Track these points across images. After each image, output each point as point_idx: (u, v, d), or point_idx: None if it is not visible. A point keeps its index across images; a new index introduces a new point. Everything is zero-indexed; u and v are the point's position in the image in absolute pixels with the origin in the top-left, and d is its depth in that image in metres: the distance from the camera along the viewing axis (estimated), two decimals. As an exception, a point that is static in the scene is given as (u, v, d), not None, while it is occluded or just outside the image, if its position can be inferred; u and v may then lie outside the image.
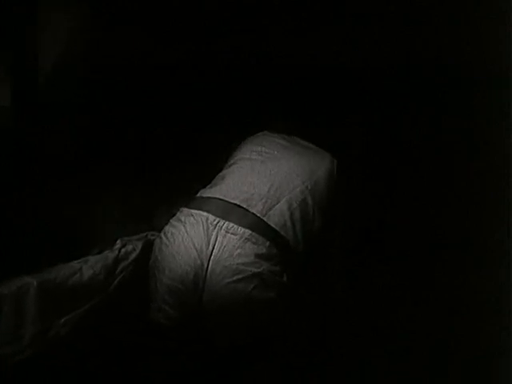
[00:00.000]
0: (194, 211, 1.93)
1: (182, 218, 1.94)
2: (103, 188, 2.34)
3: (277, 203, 1.94)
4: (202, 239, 1.87)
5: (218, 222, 1.88)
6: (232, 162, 2.09)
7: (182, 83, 2.57)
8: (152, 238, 2.04)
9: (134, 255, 1.99)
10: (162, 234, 1.96)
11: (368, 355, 2.11)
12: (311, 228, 1.98)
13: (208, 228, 1.88)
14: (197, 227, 1.90)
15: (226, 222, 1.88)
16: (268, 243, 1.88)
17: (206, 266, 1.85)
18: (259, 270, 1.85)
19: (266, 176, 1.99)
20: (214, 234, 1.87)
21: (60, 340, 1.79)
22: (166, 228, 1.97)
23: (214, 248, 1.86)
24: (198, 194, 2.02)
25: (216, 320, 1.87)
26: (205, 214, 1.91)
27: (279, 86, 2.56)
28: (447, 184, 2.36)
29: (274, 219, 1.92)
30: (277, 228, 1.91)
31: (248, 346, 1.93)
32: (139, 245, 2.01)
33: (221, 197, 1.95)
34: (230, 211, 1.91)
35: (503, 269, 1.93)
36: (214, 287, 1.84)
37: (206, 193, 2.00)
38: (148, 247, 2.00)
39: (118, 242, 2.01)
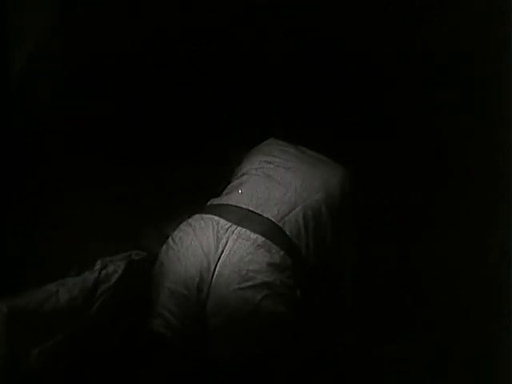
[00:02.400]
0: (205, 215, 1.84)
1: (192, 223, 1.85)
2: (83, 201, 2.18)
3: (292, 210, 1.85)
4: (211, 242, 1.77)
5: (229, 227, 1.79)
6: (242, 172, 2.01)
7: (175, 87, 2.51)
8: (136, 257, 1.92)
9: (115, 277, 1.83)
10: (170, 239, 1.86)
11: (368, 356, 2.11)
12: (324, 240, 1.89)
13: (218, 231, 1.78)
14: (207, 230, 1.80)
15: (239, 227, 1.78)
16: (282, 253, 1.77)
17: (212, 269, 1.74)
18: (270, 280, 1.73)
19: (281, 183, 1.91)
20: (225, 237, 1.77)
21: (33, 373, 1.63)
22: (175, 233, 1.86)
23: (223, 251, 1.75)
24: (209, 203, 1.94)
25: (219, 331, 1.74)
26: (216, 218, 1.82)
27: (283, 90, 2.53)
28: (447, 183, 2.36)
29: (288, 226, 1.82)
30: (291, 236, 1.82)
31: (250, 360, 1.81)
32: (122, 265, 1.87)
33: (233, 203, 1.86)
34: (243, 217, 1.82)
35: (503, 269, 1.93)
36: (219, 293, 1.73)
37: (217, 201, 1.92)
38: (132, 268, 1.87)
39: (99, 262, 1.86)
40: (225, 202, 1.89)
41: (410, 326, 2.18)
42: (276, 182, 1.92)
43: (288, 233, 1.81)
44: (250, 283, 1.72)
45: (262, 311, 1.72)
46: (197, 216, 1.86)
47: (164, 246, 1.86)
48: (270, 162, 2.00)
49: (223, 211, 1.84)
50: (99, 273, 1.82)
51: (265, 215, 1.82)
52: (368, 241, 2.20)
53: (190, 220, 1.87)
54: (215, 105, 2.55)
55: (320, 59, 2.51)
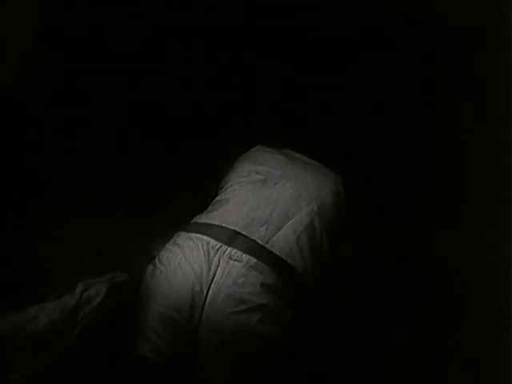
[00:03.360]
0: (193, 235, 1.77)
1: (180, 242, 1.78)
2: (64, 218, 2.12)
3: (280, 228, 1.78)
4: (203, 264, 1.69)
5: (220, 247, 1.72)
6: (229, 184, 1.93)
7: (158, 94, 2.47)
8: (119, 280, 1.83)
9: (97, 300, 1.74)
10: (156, 260, 1.78)
11: (367, 356, 2.11)
12: (320, 252, 1.83)
13: (209, 252, 1.71)
14: (196, 251, 1.73)
15: (229, 248, 1.72)
16: (274, 274, 1.71)
17: (205, 292, 1.66)
18: (265, 302, 1.67)
19: (268, 199, 1.84)
20: (216, 259, 1.70)
21: None
22: (161, 253, 1.79)
23: (215, 274, 1.68)
24: (194, 220, 1.86)
25: (212, 355, 1.67)
26: (205, 237, 1.75)
27: (272, 94, 2.51)
28: (446, 184, 2.37)
29: (278, 246, 1.75)
30: (282, 255, 1.75)
31: (243, 382, 1.73)
32: (104, 288, 1.78)
33: (219, 223, 1.79)
34: (231, 237, 1.74)
35: (503, 268, 1.93)
36: (213, 317, 1.65)
37: (203, 218, 1.84)
38: (114, 291, 1.79)
39: (80, 284, 1.77)
40: (211, 222, 1.81)
41: (410, 326, 2.18)
42: (263, 198, 1.85)
43: (278, 253, 1.75)
44: (244, 307, 1.66)
45: (256, 334, 1.67)
46: (183, 235, 1.80)
47: (150, 267, 1.80)
48: (257, 173, 1.93)
49: (212, 231, 1.77)
50: (80, 296, 1.74)
51: (252, 237, 1.75)
52: (367, 242, 2.21)
53: (176, 239, 1.80)
54: (203, 115, 2.53)
55: (309, 59, 2.50)
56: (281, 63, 2.50)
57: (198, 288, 1.67)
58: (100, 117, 2.43)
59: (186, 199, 2.20)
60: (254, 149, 2.09)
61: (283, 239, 1.77)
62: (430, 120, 2.41)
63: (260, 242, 1.75)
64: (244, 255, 1.71)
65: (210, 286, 1.67)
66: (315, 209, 1.84)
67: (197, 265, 1.70)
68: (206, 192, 2.04)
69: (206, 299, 1.66)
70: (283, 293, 1.72)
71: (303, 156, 2.08)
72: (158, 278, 1.74)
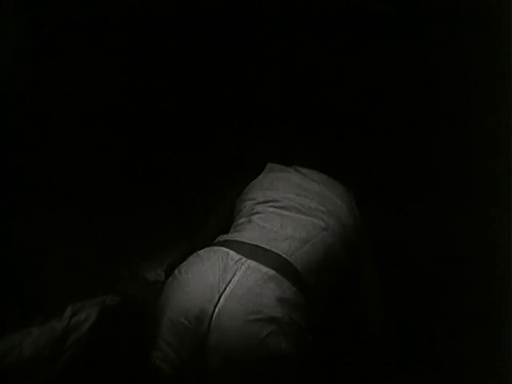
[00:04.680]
0: (215, 247, 1.76)
1: (201, 253, 1.75)
2: (53, 235, 2.05)
3: (303, 246, 1.76)
4: (218, 273, 1.66)
5: (239, 259, 1.69)
6: (247, 208, 1.93)
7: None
8: (111, 303, 1.75)
9: (87, 325, 1.65)
10: (176, 271, 1.75)
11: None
12: (339, 274, 1.82)
13: (227, 263, 1.68)
14: (215, 260, 1.70)
15: (249, 260, 1.68)
16: (295, 289, 1.66)
17: (216, 300, 1.62)
18: (279, 315, 1.61)
19: (290, 218, 1.83)
20: (233, 269, 1.66)
21: None
22: (182, 264, 1.76)
23: (229, 283, 1.63)
24: (217, 239, 1.84)
25: (220, 366, 1.61)
26: (226, 249, 1.72)
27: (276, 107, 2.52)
28: (446, 184, 2.36)
29: (300, 262, 1.72)
30: (303, 272, 1.71)
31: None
32: (94, 312, 1.68)
33: (242, 239, 1.78)
34: (253, 250, 1.72)
35: (503, 268, 1.93)
36: (222, 325, 1.60)
37: (226, 237, 1.84)
38: (106, 315, 1.71)
39: (69, 308, 1.67)
40: (234, 238, 1.79)
41: (411, 327, 2.17)
42: (286, 219, 1.84)
43: (299, 269, 1.71)
44: (256, 316, 1.60)
45: (267, 347, 1.60)
46: (207, 248, 1.78)
47: (170, 278, 1.75)
48: (274, 199, 1.92)
49: (234, 245, 1.74)
50: (69, 320, 1.64)
51: (274, 250, 1.73)
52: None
53: (199, 251, 1.77)
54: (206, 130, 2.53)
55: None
56: (281, 70, 2.51)
57: (209, 295, 1.63)
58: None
59: (185, 220, 2.18)
60: (266, 169, 2.08)
61: (305, 256, 1.75)
62: (429, 120, 2.41)
63: (283, 255, 1.72)
64: (263, 267, 1.67)
65: (223, 293, 1.62)
66: (335, 229, 1.85)
67: (212, 273, 1.67)
68: (210, 213, 2.04)
69: (216, 306, 1.61)
70: (303, 311, 1.67)
71: (311, 171, 2.07)
72: (173, 287, 1.71)
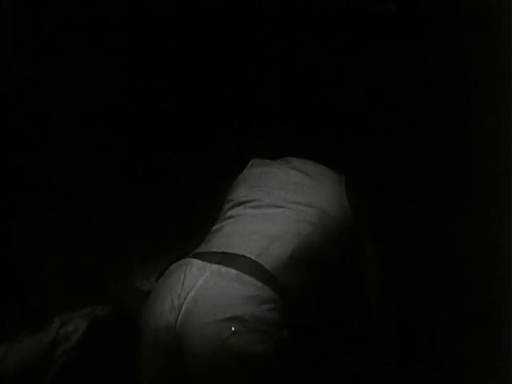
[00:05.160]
0: (183, 260, 1.73)
1: (171, 267, 1.74)
2: (40, 242, 2.03)
3: (273, 244, 1.70)
4: (181, 282, 1.63)
5: (203, 266, 1.65)
6: (225, 212, 1.88)
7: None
8: (101, 314, 1.71)
9: (76, 336, 1.61)
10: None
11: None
12: (322, 268, 1.74)
13: (191, 271, 1.64)
14: (180, 271, 1.67)
15: (213, 265, 1.64)
16: (262, 285, 1.60)
17: (178, 309, 1.58)
18: (241, 314, 1.56)
19: (262, 219, 1.78)
20: (196, 276, 1.63)
21: None
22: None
23: (191, 289, 1.60)
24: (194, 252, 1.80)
25: (197, 372, 1.57)
26: (193, 259, 1.70)
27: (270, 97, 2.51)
28: (446, 184, 2.36)
29: (269, 260, 1.66)
30: (273, 270, 1.65)
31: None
32: (84, 324, 1.64)
33: (209, 250, 1.74)
34: (218, 257, 1.68)
35: (503, 268, 1.93)
36: (187, 333, 1.56)
37: (199, 249, 1.80)
38: (96, 326, 1.67)
39: (56, 319, 1.63)
40: (201, 250, 1.76)
41: (411, 326, 2.17)
42: (258, 220, 1.78)
43: (269, 267, 1.65)
44: (218, 317, 1.56)
45: (231, 349, 1.55)
46: (179, 261, 1.75)
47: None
48: (252, 200, 1.85)
49: (200, 255, 1.72)
50: (57, 332, 1.60)
51: (240, 253, 1.68)
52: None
53: (172, 265, 1.75)
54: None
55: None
56: (277, 64, 2.51)
57: (171, 306, 1.60)
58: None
59: (179, 226, 2.16)
60: (249, 165, 2.03)
61: (275, 254, 1.69)
62: (429, 120, 2.41)
63: (249, 256, 1.67)
64: (226, 268, 1.63)
65: (184, 301, 1.59)
66: (314, 221, 1.77)
67: (176, 284, 1.64)
68: (202, 220, 1.97)
69: (178, 315, 1.58)
70: (274, 307, 1.61)
71: (303, 161, 2.02)
72: (145, 306, 1.69)
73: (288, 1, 2.45)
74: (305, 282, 1.71)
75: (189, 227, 2.00)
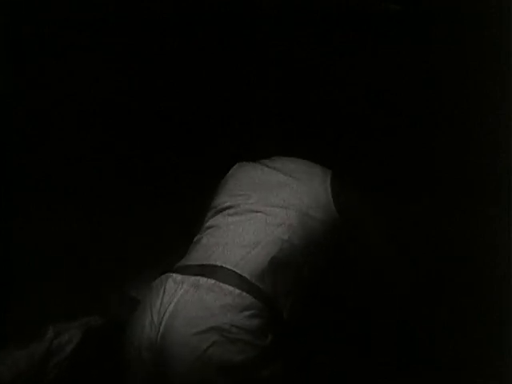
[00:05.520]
0: (163, 275, 1.69)
1: (153, 283, 1.70)
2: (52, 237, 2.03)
3: (250, 251, 1.66)
4: (162, 296, 1.60)
5: (181, 279, 1.63)
6: (205, 222, 1.84)
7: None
8: (95, 324, 1.67)
9: (70, 347, 1.57)
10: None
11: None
12: (305, 271, 1.70)
13: (171, 286, 1.62)
14: (159, 287, 1.64)
15: (191, 277, 1.62)
16: (240, 292, 1.57)
17: (157, 326, 1.55)
18: (219, 324, 1.52)
19: (240, 227, 1.73)
20: (174, 290, 1.60)
21: None
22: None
23: (170, 304, 1.57)
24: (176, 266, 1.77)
25: None
26: (171, 274, 1.67)
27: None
28: (446, 184, 2.36)
29: (247, 268, 1.63)
30: (252, 278, 1.61)
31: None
32: (78, 334, 1.60)
33: (188, 263, 1.72)
34: (195, 269, 1.65)
35: (503, 268, 1.93)
36: (167, 346, 1.53)
37: (177, 264, 1.76)
38: (90, 337, 1.63)
39: (50, 329, 1.59)
40: (181, 264, 1.73)
41: (411, 325, 2.17)
42: (238, 226, 1.74)
43: (248, 275, 1.61)
44: (196, 330, 1.53)
45: (210, 361, 1.51)
46: (161, 277, 1.71)
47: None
48: (231, 207, 1.81)
49: (179, 269, 1.70)
50: (51, 342, 1.56)
51: (218, 263, 1.65)
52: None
53: (154, 281, 1.72)
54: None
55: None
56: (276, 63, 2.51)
57: (150, 321, 1.57)
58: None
59: (179, 227, 2.13)
60: (231, 169, 2.00)
61: (254, 260, 1.65)
62: (428, 120, 2.41)
63: (226, 266, 1.64)
64: (204, 279, 1.61)
65: (164, 315, 1.56)
66: (294, 224, 1.72)
67: (156, 300, 1.61)
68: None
69: (159, 330, 1.55)
70: (255, 313, 1.57)
71: (288, 160, 1.99)
72: (128, 322, 1.67)
73: (288, 1, 2.45)
74: (287, 287, 1.67)
75: (189, 227, 1.99)
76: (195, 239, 1.82)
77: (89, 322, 1.67)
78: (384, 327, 2.12)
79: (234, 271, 1.62)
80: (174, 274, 1.66)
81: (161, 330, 1.55)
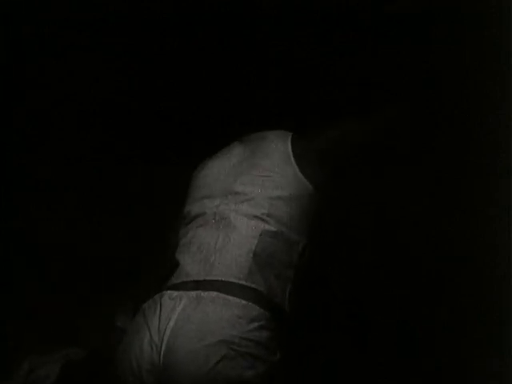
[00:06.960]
0: (155, 296, 1.61)
1: (144, 305, 1.62)
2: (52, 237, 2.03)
3: (227, 256, 1.60)
4: (159, 314, 1.53)
5: (180, 294, 1.56)
6: (181, 238, 1.75)
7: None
8: (75, 358, 1.54)
9: (48, 383, 1.43)
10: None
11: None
12: (282, 262, 1.63)
13: (166, 301, 1.55)
14: (155, 304, 1.57)
15: (189, 292, 1.55)
16: (245, 303, 1.51)
17: (159, 346, 1.47)
18: (227, 338, 1.45)
19: (215, 236, 1.65)
20: (173, 304, 1.53)
21: None
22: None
23: (170, 319, 1.50)
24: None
25: None
26: (165, 291, 1.60)
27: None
28: (446, 184, 2.36)
29: (233, 272, 1.57)
30: (242, 281, 1.56)
31: None
32: (56, 368, 1.48)
33: (184, 280, 1.62)
34: (193, 285, 1.58)
35: (503, 268, 1.93)
36: (172, 361, 1.44)
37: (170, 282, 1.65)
38: (69, 372, 1.50)
39: (25, 364, 1.47)
40: (172, 282, 1.64)
41: (411, 325, 2.17)
42: (214, 236, 1.66)
43: (236, 281, 1.56)
44: (202, 343, 1.45)
45: (219, 377, 1.43)
46: (153, 297, 1.63)
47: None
48: (201, 214, 1.74)
49: (174, 285, 1.61)
50: (26, 378, 1.45)
51: (213, 278, 1.57)
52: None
53: (143, 305, 1.64)
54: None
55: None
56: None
57: (149, 341, 1.49)
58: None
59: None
60: (194, 172, 1.97)
61: (239, 265, 1.58)
62: (429, 120, 2.41)
63: (221, 279, 1.57)
64: (204, 292, 1.53)
65: (165, 332, 1.48)
66: (266, 212, 1.66)
67: (153, 318, 1.53)
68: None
69: (161, 348, 1.47)
70: (262, 321, 1.52)
71: (250, 138, 1.98)
72: (121, 346, 1.57)
73: (288, 1, 2.45)
74: (280, 277, 1.61)
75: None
76: (177, 256, 1.71)
77: (67, 355, 1.54)
78: (384, 327, 2.12)
79: (232, 282, 1.56)
80: (169, 291, 1.58)
81: (163, 348, 1.46)
